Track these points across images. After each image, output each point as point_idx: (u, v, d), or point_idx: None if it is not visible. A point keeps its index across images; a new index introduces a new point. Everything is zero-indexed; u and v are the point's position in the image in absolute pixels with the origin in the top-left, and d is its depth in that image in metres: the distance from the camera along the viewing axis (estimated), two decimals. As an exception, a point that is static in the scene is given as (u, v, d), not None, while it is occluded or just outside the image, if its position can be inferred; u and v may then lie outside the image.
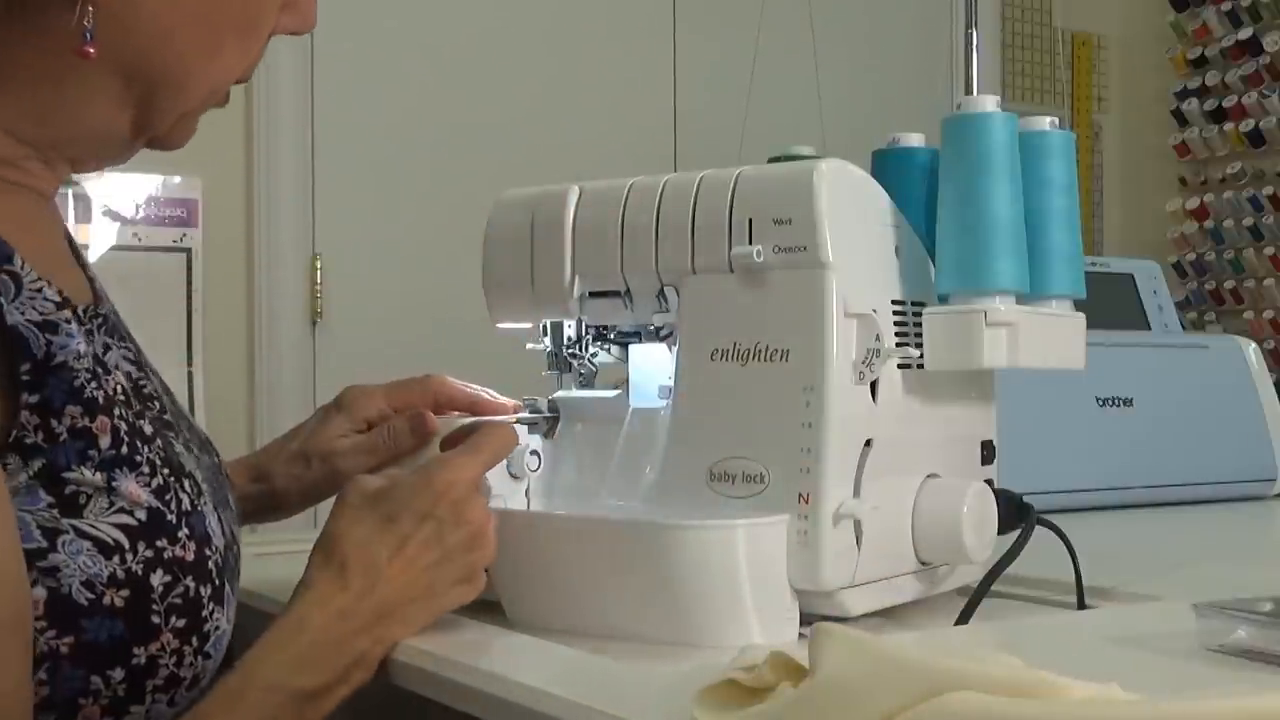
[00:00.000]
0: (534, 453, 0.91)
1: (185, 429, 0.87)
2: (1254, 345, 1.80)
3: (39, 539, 0.69)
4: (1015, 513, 0.92)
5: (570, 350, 0.99)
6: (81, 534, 0.70)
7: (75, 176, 2.61)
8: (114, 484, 0.73)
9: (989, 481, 0.94)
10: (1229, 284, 3.76)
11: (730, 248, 0.87)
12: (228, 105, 0.86)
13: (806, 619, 0.83)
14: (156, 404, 0.83)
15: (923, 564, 0.90)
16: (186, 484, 0.78)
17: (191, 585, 0.74)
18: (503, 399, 1.02)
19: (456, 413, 1.02)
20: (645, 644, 0.83)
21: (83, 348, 0.74)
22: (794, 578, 0.83)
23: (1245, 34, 3.68)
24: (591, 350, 0.99)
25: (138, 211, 2.58)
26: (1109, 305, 1.77)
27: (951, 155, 0.92)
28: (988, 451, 0.97)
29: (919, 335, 0.90)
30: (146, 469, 0.75)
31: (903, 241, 0.92)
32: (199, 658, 0.75)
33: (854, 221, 0.87)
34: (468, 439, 0.87)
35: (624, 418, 0.95)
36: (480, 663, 0.76)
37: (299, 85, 2.89)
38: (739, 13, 2.74)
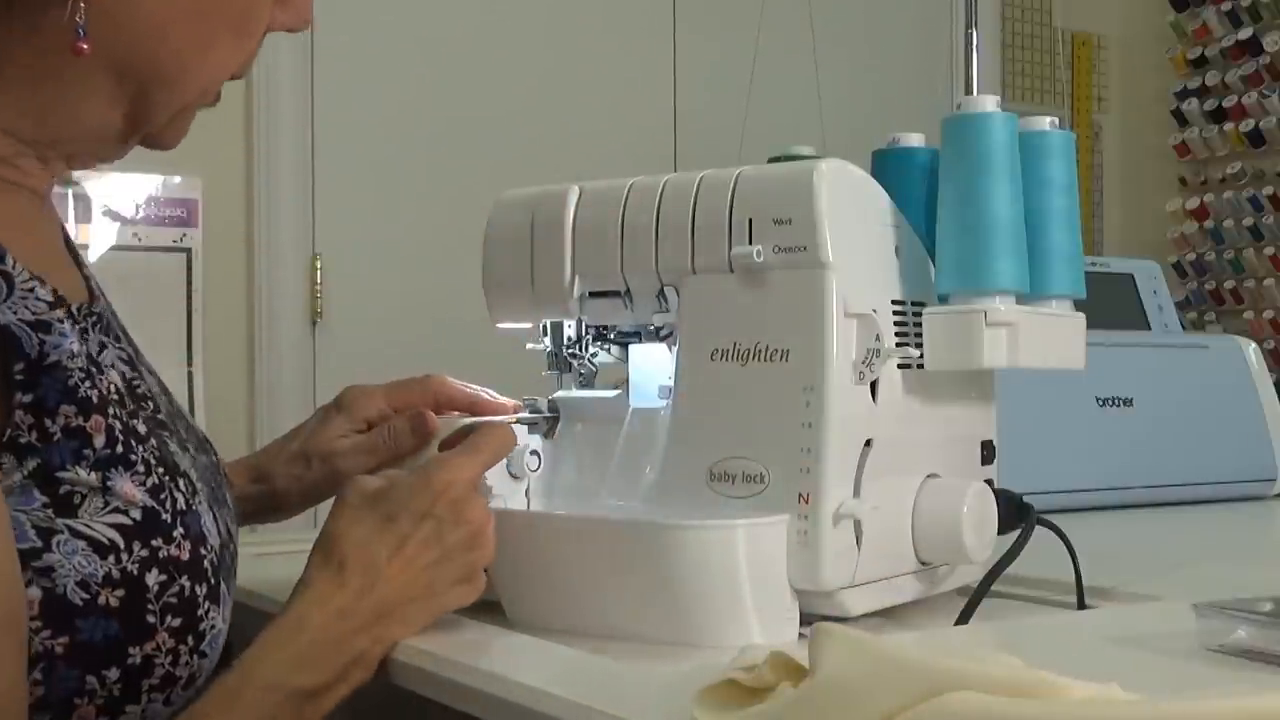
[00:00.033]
0: (534, 453, 0.91)
1: (182, 428, 0.87)
2: (1254, 345, 1.80)
3: (34, 539, 0.69)
4: (1015, 513, 0.92)
5: (570, 350, 0.99)
6: (76, 534, 0.70)
7: (75, 176, 2.61)
8: (109, 483, 0.73)
9: (989, 481, 0.94)
10: (1229, 284, 3.76)
11: (730, 248, 0.87)
12: (228, 106, 0.86)
13: (806, 619, 0.83)
14: (151, 403, 0.83)
15: (923, 564, 0.90)
16: (181, 483, 0.77)
17: (187, 584, 0.74)
18: (502, 399, 1.02)
19: (456, 413, 1.02)
20: (645, 644, 0.83)
21: (76, 347, 0.74)
22: (794, 578, 0.83)
23: (1245, 34, 3.68)
24: (591, 350, 0.99)
25: (138, 211, 2.58)
26: (1109, 305, 1.77)
27: (951, 155, 0.92)
28: (988, 451, 0.97)
29: (919, 335, 0.90)
30: (141, 468, 0.75)
31: (903, 241, 0.92)
32: (195, 657, 0.74)
33: (854, 221, 0.87)
34: (467, 439, 0.87)
35: (624, 418, 0.95)
36: (480, 663, 0.76)
37: (299, 85, 2.89)
38: (739, 13, 2.74)
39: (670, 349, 0.92)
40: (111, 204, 2.55)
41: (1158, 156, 3.93)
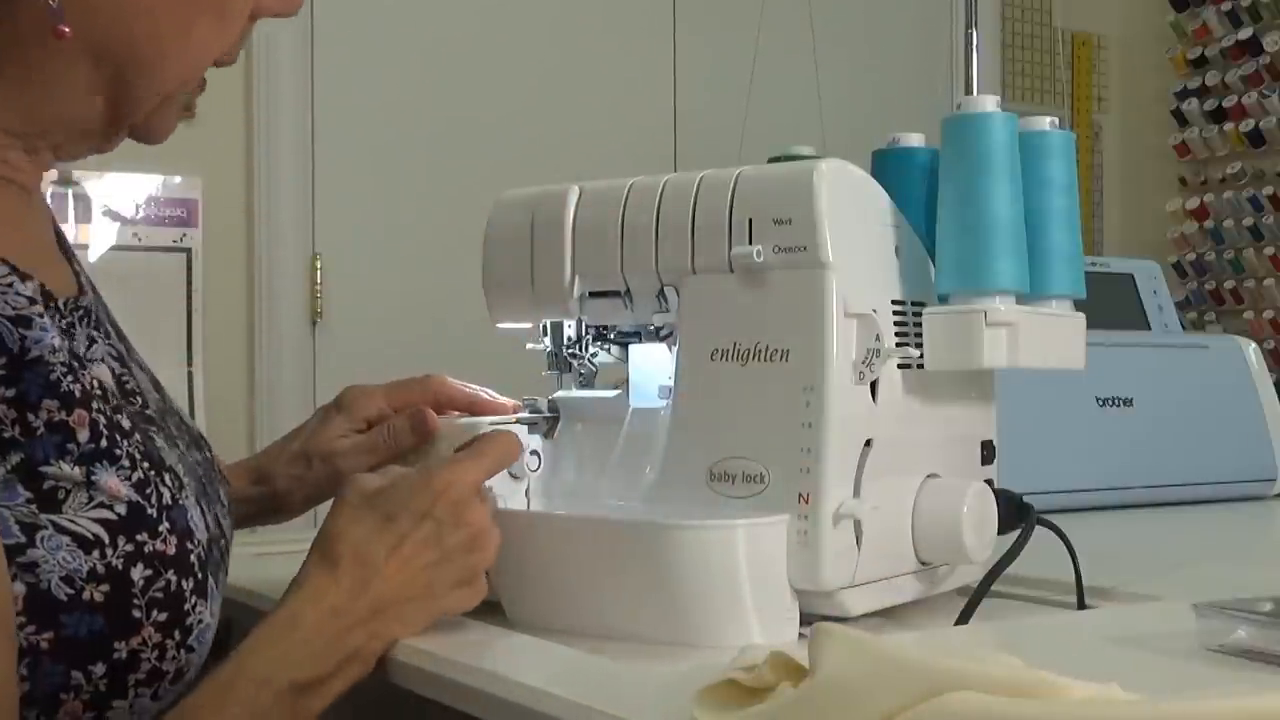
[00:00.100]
0: (534, 453, 0.91)
1: (173, 425, 0.86)
2: (1254, 345, 1.80)
3: (17, 534, 0.69)
4: (1015, 513, 0.92)
5: (570, 350, 0.99)
6: (60, 529, 0.70)
7: (75, 176, 2.61)
8: (93, 478, 0.72)
9: (989, 481, 0.94)
10: (1229, 284, 3.76)
11: (730, 248, 0.87)
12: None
13: (806, 619, 0.83)
14: (139, 399, 0.83)
15: (923, 564, 0.90)
16: (167, 478, 0.77)
17: (173, 579, 0.74)
18: (502, 399, 1.02)
19: (456, 413, 1.02)
20: (645, 644, 0.83)
21: (57, 342, 0.74)
22: (794, 578, 0.83)
23: (1245, 34, 3.68)
24: (591, 350, 0.99)
25: (138, 211, 2.58)
26: (1109, 305, 1.77)
27: (951, 155, 0.92)
28: (988, 451, 0.97)
29: (919, 335, 0.90)
30: (126, 463, 0.75)
31: (903, 241, 0.92)
32: (182, 651, 0.74)
33: (854, 221, 0.87)
34: (471, 443, 0.87)
35: (624, 418, 0.95)
36: (480, 663, 0.76)
37: (299, 85, 2.89)
38: (739, 13, 2.74)
39: (670, 349, 0.92)
40: (111, 204, 2.55)
41: (1158, 156, 3.93)
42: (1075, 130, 3.58)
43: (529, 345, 1.01)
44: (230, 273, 2.81)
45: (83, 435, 0.73)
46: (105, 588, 0.71)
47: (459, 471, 0.83)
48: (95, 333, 0.82)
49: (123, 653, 0.71)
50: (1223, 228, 3.76)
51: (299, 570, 0.81)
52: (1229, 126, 3.72)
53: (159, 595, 0.73)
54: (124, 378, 0.83)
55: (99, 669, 0.71)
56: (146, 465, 0.76)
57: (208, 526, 0.80)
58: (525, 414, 0.99)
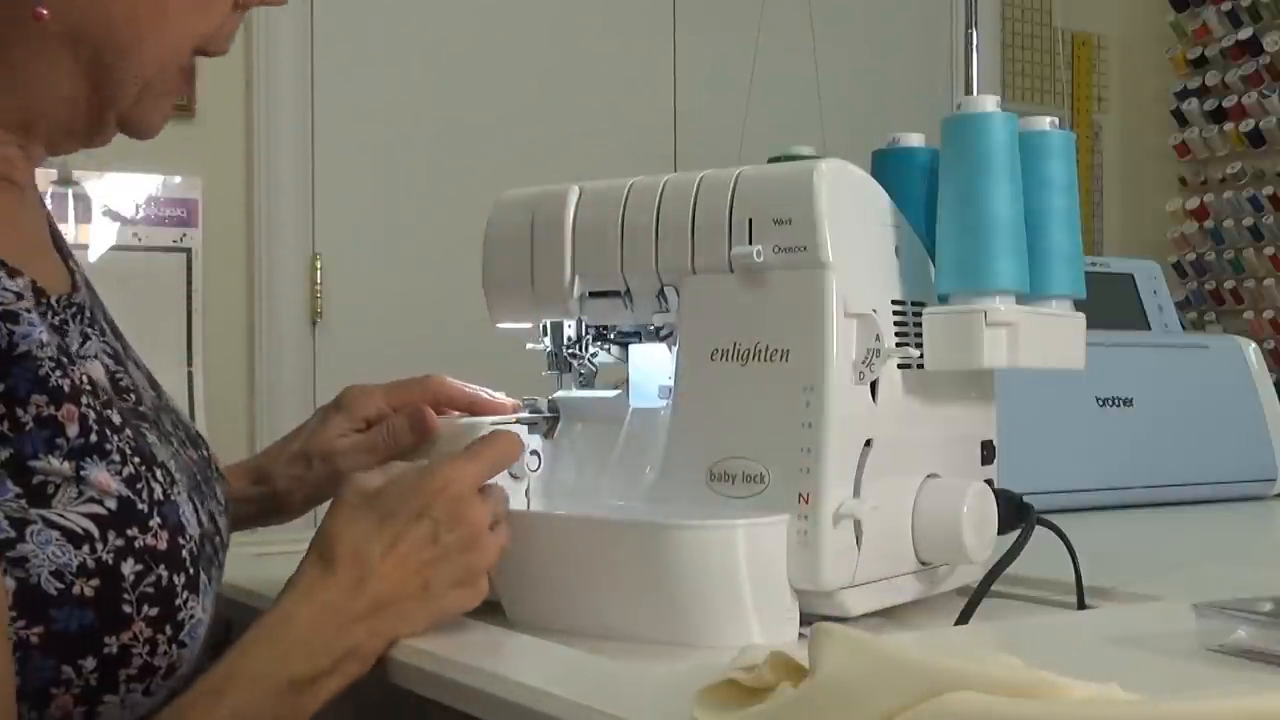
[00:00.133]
0: (534, 453, 0.91)
1: (169, 422, 0.86)
2: (1254, 345, 1.80)
3: (7, 529, 0.69)
4: (1015, 513, 0.92)
5: (570, 350, 0.99)
6: (50, 524, 0.70)
7: (76, 176, 2.61)
8: (83, 473, 0.72)
9: (989, 481, 0.94)
10: (1229, 284, 3.76)
11: (730, 248, 0.87)
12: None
13: (806, 619, 0.83)
14: (132, 396, 0.83)
15: (923, 564, 0.90)
16: (158, 473, 0.77)
17: (164, 574, 0.74)
18: (502, 398, 1.02)
19: (456, 413, 1.02)
20: (645, 644, 0.83)
21: (45, 337, 0.74)
22: (794, 578, 0.83)
23: (1245, 34, 3.68)
24: (591, 350, 0.99)
25: (138, 211, 2.58)
26: (1109, 305, 1.77)
27: (951, 155, 0.92)
28: (988, 451, 0.97)
29: (919, 335, 0.90)
30: (117, 458, 0.75)
31: (903, 241, 0.92)
32: (174, 646, 0.74)
33: (854, 221, 0.87)
34: (472, 443, 0.87)
35: (624, 418, 0.95)
36: (480, 663, 0.76)
37: (299, 85, 2.89)
38: (739, 13, 2.74)
39: (670, 349, 0.92)
40: (111, 204, 2.55)
41: (1158, 156, 3.93)
42: (1075, 130, 3.58)
43: (529, 345, 1.01)
44: (230, 273, 2.81)
45: (72, 430, 0.73)
46: (95, 582, 0.71)
47: (457, 470, 0.83)
48: (90, 330, 0.82)
49: (113, 647, 0.71)
50: (1223, 228, 3.77)
51: (296, 569, 0.81)
52: (1229, 126, 3.72)
53: (150, 590, 0.73)
54: (118, 374, 0.83)
55: (89, 663, 0.71)
56: (137, 460, 0.76)
57: (200, 522, 0.80)
58: (525, 414, 0.99)
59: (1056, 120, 0.96)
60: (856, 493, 0.84)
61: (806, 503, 0.82)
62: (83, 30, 0.78)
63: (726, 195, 0.88)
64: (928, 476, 0.91)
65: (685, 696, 0.62)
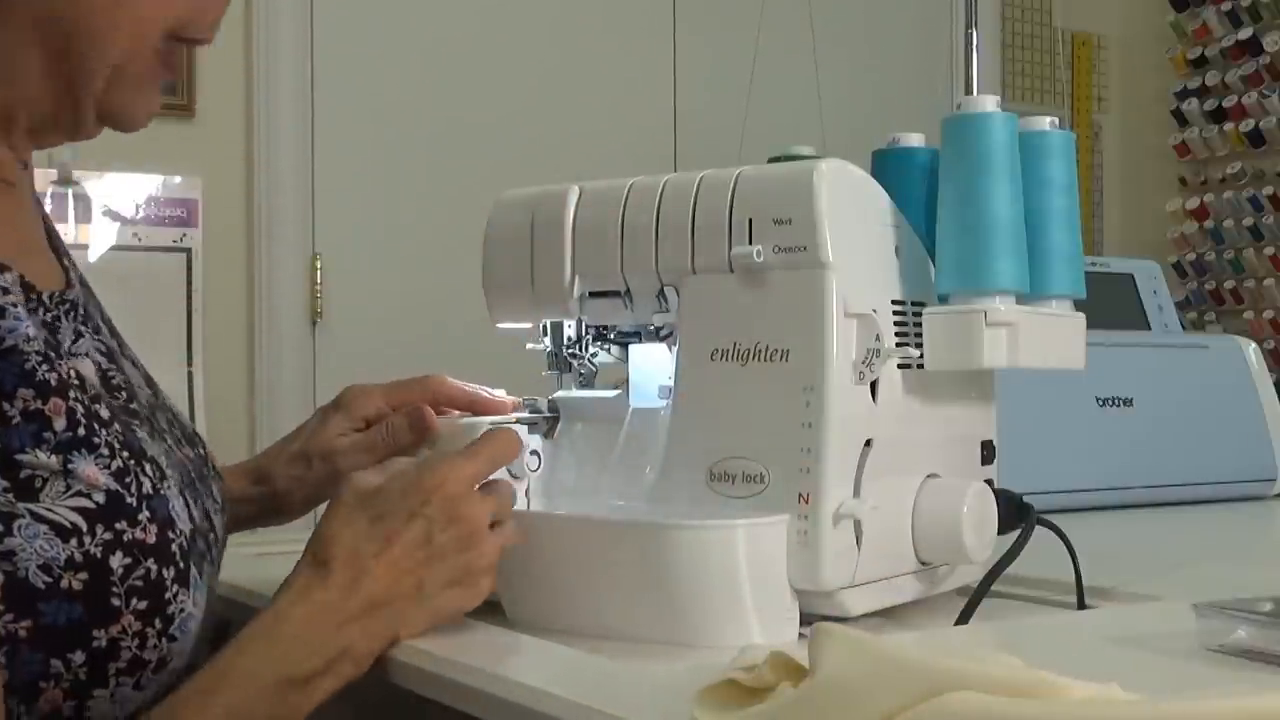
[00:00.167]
0: (534, 453, 0.91)
1: (163, 420, 0.86)
2: (1254, 345, 1.80)
3: None
4: (1015, 513, 0.92)
5: (570, 350, 0.99)
6: (38, 518, 0.70)
7: (76, 176, 2.61)
8: (70, 466, 0.72)
9: (989, 481, 0.94)
10: (1229, 284, 3.76)
11: (730, 248, 0.87)
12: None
13: (806, 619, 0.83)
14: (123, 394, 0.83)
15: (923, 564, 0.90)
16: (148, 467, 0.77)
17: (153, 567, 0.74)
18: (502, 396, 1.02)
19: (457, 412, 1.02)
20: (645, 644, 0.83)
21: (31, 331, 0.75)
22: (794, 578, 0.83)
23: (1245, 34, 3.68)
24: (591, 350, 0.99)
25: (138, 211, 2.58)
26: (1109, 305, 1.77)
27: (951, 155, 0.92)
28: (988, 451, 0.97)
29: (919, 335, 0.90)
30: (105, 451, 0.74)
31: (903, 241, 0.92)
32: (164, 640, 0.74)
33: (854, 221, 0.87)
34: (470, 442, 0.87)
35: (624, 418, 0.95)
36: (480, 663, 0.76)
37: (299, 85, 2.89)
38: (739, 13, 2.74)
39: (670, 349, 0.92)
40: (111, 204, 2.55)
41: (1158, 156, 3.93)
42: (1075, 130, 3.58)
43: (529, 345, 1.01)
44: (230, 273, 2.81)
45: (59, 424, 0.73)
46: (84, 576, 0.71)
47: (452, 469, 0.83)
48: (83, 327, 0.82)
49: (102, 641, 0.71)
50: (1223, 228, 3.77)
51: (293, 570, 0.81)
52: (1229, 126, 3.72)
53: (139, 583, 0.73)
54: (110, 373, 0.83)
55: (78, 657, 0.71)
56: (126, 454, 0.76)
57: (191, 517, 0.79)
58: (525, 414, 0.99)
59: (1056, 120, 0.96)
60: (856, 493, 0.84)
61: (806, 503, 0.82)
62: (50, 14, 0.78)
63: (726, 195, 0.88)
64: (928, 476, 0.91)
65: (685, 696, 0.62)
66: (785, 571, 0.82)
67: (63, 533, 0.71)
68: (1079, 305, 0.97)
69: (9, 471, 0.70)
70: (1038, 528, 0.91)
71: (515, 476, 0.89)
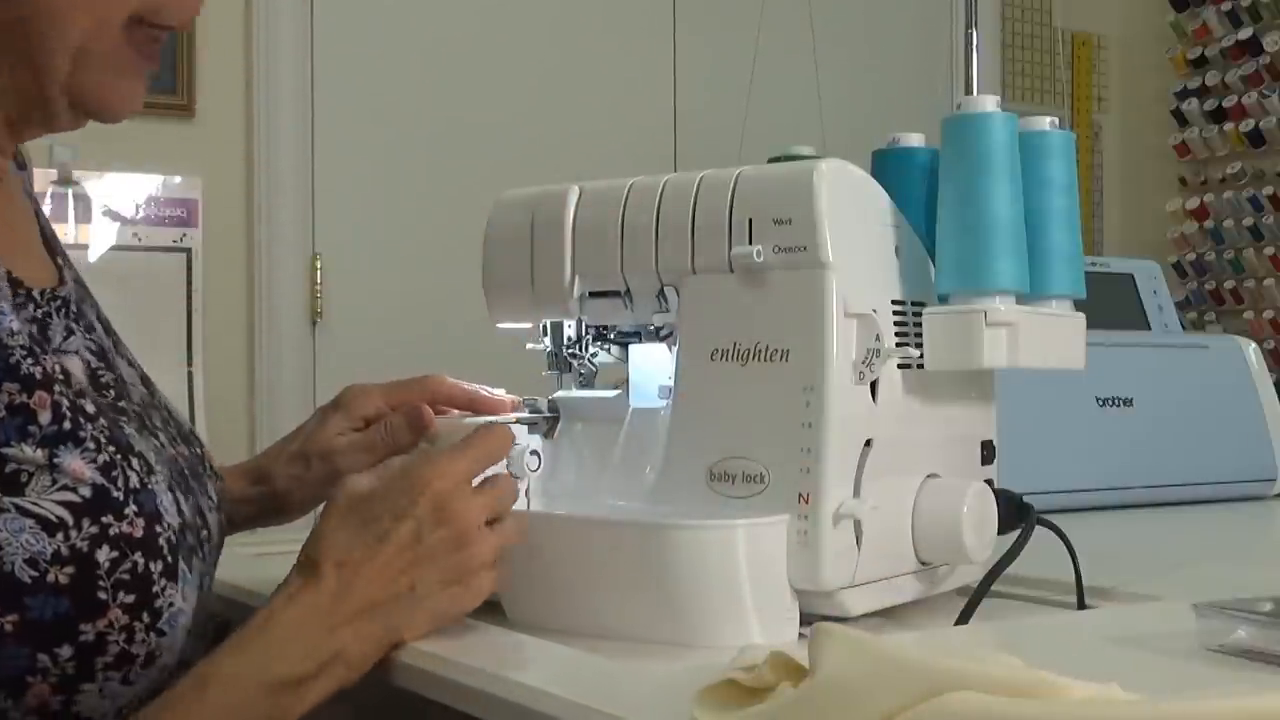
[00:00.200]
0: (534, 453, 0.91)
1: (158, 420, 0.86)
2: (1254, 345, 1.80)
3: None
4: (1015, 513, 0.92)
5: (570, 350, 0.99)
6: (24, 512, 0.70)
7: (76, 176, 2.60)
8: (56, 460, 0.72)
9: (989, 481, 0.94)
10: (1229, 284, 3.76)
11: (730, 248, 0.87)
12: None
13: (806, 619, 0.83)
14: (111, 392, 0.82)
15: (923, 564, 0.90)
16: (135, 462, 0.77)
17: (140, 561, 0.74)
18: (502, 395, 1.02)
19: (456, 412, 1.02)
20: (645, 644, 0.82)
21: (16, 325, 0.74)
22: (794, 578, 0.83)
23: (1245, 34, 3.68)
24: (591, 350, 0.99)
25: (138, 211, 2.58)
26: (1109, 305, 1.77)
27: (951, 155, 0.92)
28: (988, 451, 0.97)
29: (919, 335, 0.90)
30: (91, 445, 0.74)
31: (903, 241, 0.92)
32: (152, 634, 0.74)
33: (854, 221, 0.87)
34: (460, 440, 0.86)
35: (624, 418, 0.95)
36: (480, 663, 0.76)
37: (299, 85, 2.89)
38: (739, 13, 2.74)
39: (670, 349, 0.92)
40: (111, 204, 2.55)
41: (1158, 156, 3.93)
42: (1075, 130, 3.58)
43: (529, 345, 1.01)
44: (230, 273, 2.81)
45: (44, 417, 0.73)
46: (70, 570, 0.71)
47: (440, 467, 0.81)
48: (75, 325, 0.82)
49: (89, 635, 0.71)
50: (1223, 228, 3.77)
51: (288, 573, 0.80)
52: (1229, 126, 3.72)
53: (125, 577, 0.73)
54: (100, 372, 0.82)
55: (65, 651, 0.70)
56: (112, 449, 0.76)
57: (181, 512, 0.79)
58: (525, 414, 0.99)
59: (1056, 120, 0.96)
60: (856, 493, 0.84)
61: (806, 503, 0.82)
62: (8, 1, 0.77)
63: (726, 195, 0.88)
64: (928, 476, 0.91)
65: (685, 696, 0.62)
66: (785, 571, 0.82)
67: (49, 527, 0.70)
68: (1079, 305, 0.97)
69: None
70: (1038, 528, 0.91)
71: (515, 476, 0.89)
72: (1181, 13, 3.84)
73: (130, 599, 0.73)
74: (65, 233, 2.47)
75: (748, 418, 0.85)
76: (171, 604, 0.75)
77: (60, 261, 0.87)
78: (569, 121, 3.15)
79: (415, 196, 3.00)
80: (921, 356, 0.90)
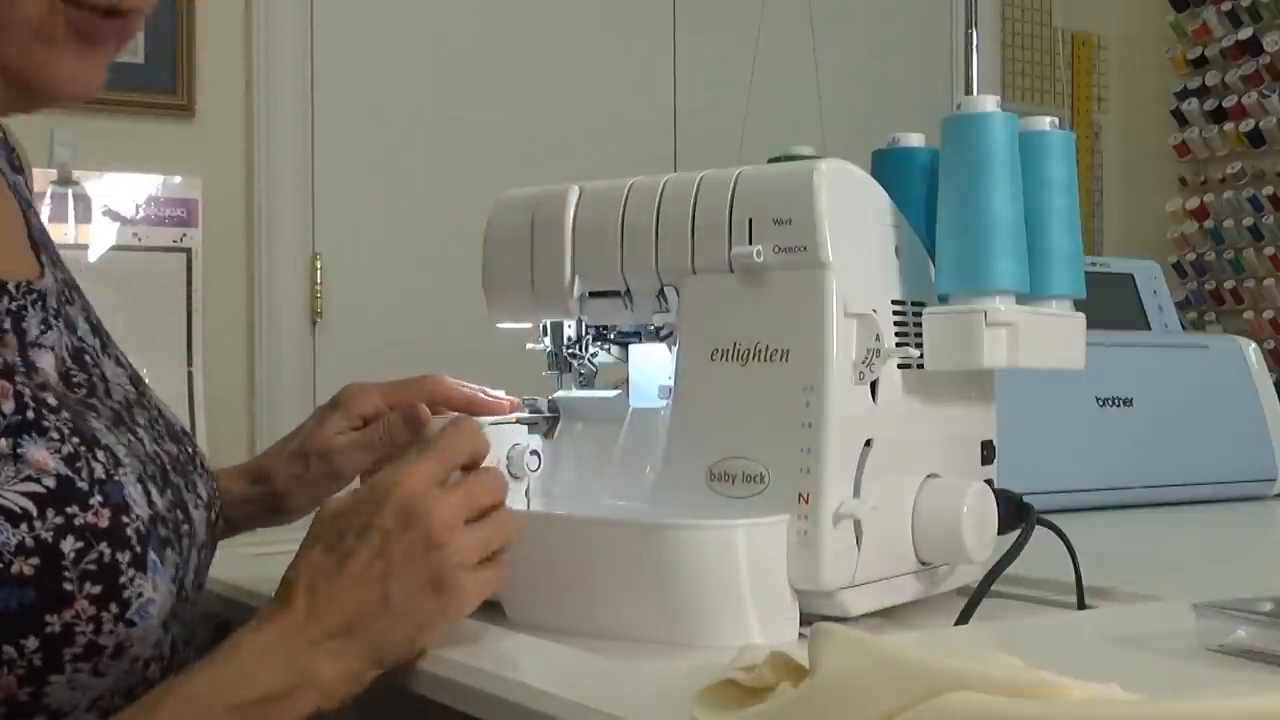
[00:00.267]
0: (534, 453, 0.91)
1: (143, 418, 0.85)
2: (1254, 345, 1.80)
3: None
4: (1015, 513, 0.92)
5: (570, 350, 0.99)
6: None
7: (76, 176, 2.60)
8: (20, 450, 0.72)
9: (989, 481, 0.94)
10: (1229, 284, 3.76)
11: (730, 248, 0.87)
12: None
13: (806, 619, 0.83)
14: (83, 390, 0.82)
15: (923, 564, 0.90)
16: (100, 454, 0.76)
17: (106, 551, 0.73)
18: (501, 396, 1.02)
19: (455, 413, 1.02)
20: (645, 644, 0.82)
21: None
22: (794, 578, 0.83)
23: (1245, 34, 3.68)
24: (591, 350, 0.99)
25: (138, 211, 2.58)
26: (1109, 305, 1.77)
27: (951, 155, 0.92)
28: (988, 451, 0.97)
29: (919, 335, 0.90)
30: (55, 435, 0.74)
31: (903, 241, 0.92)
32: (120, 625, 0.73)
33: (854, 221, 0.87)
34: (425, 440, 0.83)
35: (624, 418, 0.95)
36: (480, 663, 0.76)
37: (299, 85, 2.90)
38: (739, 13, 2.74)
39: (670, 349, 0.92)
40: (111, 204, 2.55)
41: (1158, 156, 3.93)
42: (1075, 130, 3.58)
43: (529, 345, 1.01)
44: (230, 273, 2.81)
45: (8, 407, 0.73)
46: (35, 561, 0.70)
47: (402, 472, 0.78)
48: (54, 320, 0.82)
49: (55, 626, 0.71)
50: (1223, 228, 3.77)
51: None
52: (1229, 126, 3.72)
53: (91, 567, 0.72)
54: (72, 371, 0.82)
55: (31, 643, 0.70)
56: (76, 440, 0.75)
57: (152, 504, 0.78)
58: (525, 414, 0.99)
59: (1056, 120, 0.96)
60: (856, 493, 0.84)
61: (806, 503, 0.82)
62: None
63: (726, 195, 0.88)
64: (928, 476, 0.91)
65: (685, 696, 0.62)
66: (785, 571, 0.82)
67: (12, 518, 0.70)
68: (1079, 305, 0.97)
69: None
70: (1038, 528, 0.91)
71: (515, 476, 0.89)
72: (1181, 13, 3.84)
73: (97, 589, 0.72)
74: (65, 233, 2.47)
75: (748, 418, 0.85)
76: (141, 594, 0.74)
77: (44, 258, 0.86)
78: (569, 121, 3.15)
79: (415, 196, 3.00)
80: (921, 356, 0.90)
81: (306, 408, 2.44)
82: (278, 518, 1.07)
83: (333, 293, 2.93)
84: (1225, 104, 3.73)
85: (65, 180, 2.50)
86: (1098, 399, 1.62)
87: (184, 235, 2.63)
